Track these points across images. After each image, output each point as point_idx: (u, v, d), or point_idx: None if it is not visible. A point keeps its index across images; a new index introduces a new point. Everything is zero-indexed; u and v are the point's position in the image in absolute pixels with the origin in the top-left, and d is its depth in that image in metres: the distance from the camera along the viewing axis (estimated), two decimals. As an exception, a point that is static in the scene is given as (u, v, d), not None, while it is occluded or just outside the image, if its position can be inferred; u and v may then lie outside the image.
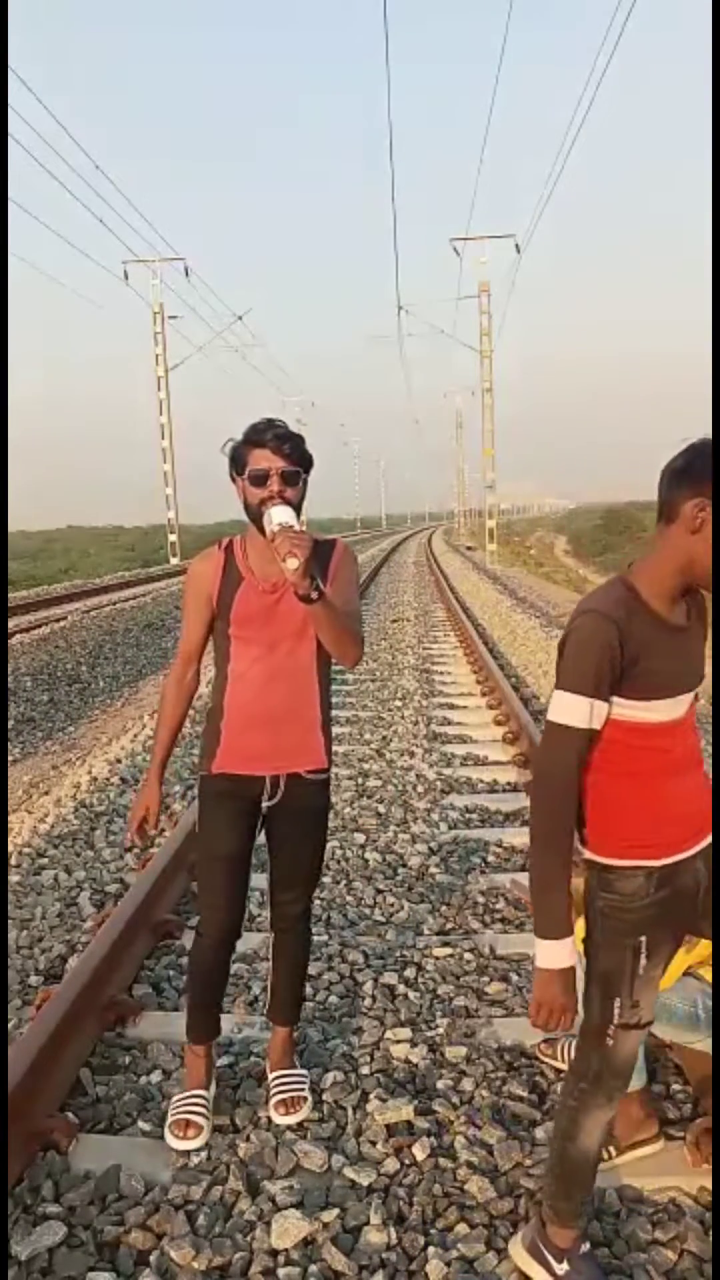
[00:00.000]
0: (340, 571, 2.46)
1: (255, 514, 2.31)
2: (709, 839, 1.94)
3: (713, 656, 1.89)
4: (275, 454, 2.29)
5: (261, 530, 2.28)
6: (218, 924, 2.52)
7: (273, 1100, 2.65)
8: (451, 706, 7.89)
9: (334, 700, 8.21)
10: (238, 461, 2.35)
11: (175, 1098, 2.59)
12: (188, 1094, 2.60)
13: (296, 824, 2.54)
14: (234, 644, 2.44)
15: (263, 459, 2.29)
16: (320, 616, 2.29)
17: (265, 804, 2.50)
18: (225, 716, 2.47)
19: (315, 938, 3.66)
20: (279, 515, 2.21)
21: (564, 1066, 2.79)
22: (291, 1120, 2.60)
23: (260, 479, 2.29)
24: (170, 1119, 2.53)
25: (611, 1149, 2.40)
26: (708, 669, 1.94)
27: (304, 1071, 2.76)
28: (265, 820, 2.55)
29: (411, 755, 6.31)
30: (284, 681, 2.44)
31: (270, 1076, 2.72)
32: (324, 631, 2.35)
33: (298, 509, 2.30)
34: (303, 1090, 2.68)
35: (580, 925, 2.49)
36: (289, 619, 2.39)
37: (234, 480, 2.38)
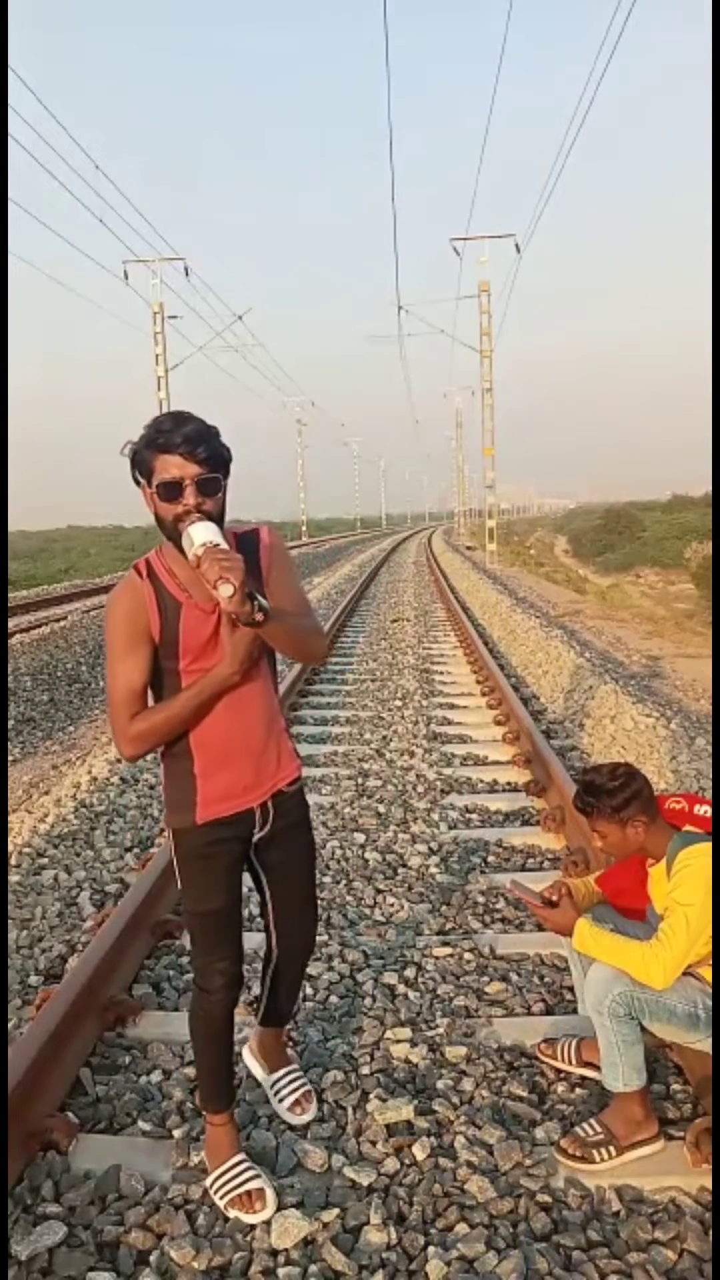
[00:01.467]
0: (275, 566, 2.17)
1: (170, 530, 1.99)
2: None
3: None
4: (188, 460, 1.94)
5: (179, 548, 1.99)
6: (225, 978, 2.28)
7: (285, 1102, 2.60)
8: (451, 706, 7.89)
9: (333, 700, 8.22)
10: (142, 467, 1.99)
11: (216, 1172, 2.32)
12: (230, 1163, 2.32)
13: (287, 841, 2.35)
14: (187, 678, 2.11)
15: (172, 466, 1.94)
16: (274, 633, 2.04)
17: (257, 834, 2.28)
18: (196, 760, 2.18)
19: (316, 938, 3.65)
20: (200, 534, 1.90)
21: (564, 1066, 2.79)
22: (307, 1118, 2.57)
23: (173, 492, 1.95)
24: (228, 1196, 2.27)
25: (611, 1149, 2.40)
26: None
27: (298, 1066, 2.73)
28: (253, 850, 2.33)
29: (411, 755, 6.31)
30: (250, 704, 2.18)
31: (271, 1078, 2.67)
32: (280, 643, 2.12)
33: (220, 517, 2.01)
34: (307, 1084, 2.66)
35: (581, 926, 2.50)
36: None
37: (139, 485, 2.03)
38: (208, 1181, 2.34)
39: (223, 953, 2.28)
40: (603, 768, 2.57)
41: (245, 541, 2.16)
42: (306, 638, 2.15)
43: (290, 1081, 2.64)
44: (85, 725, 9.17)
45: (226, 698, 2.14)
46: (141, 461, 2.00)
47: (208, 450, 1.96)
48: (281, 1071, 2.67)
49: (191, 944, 2.33)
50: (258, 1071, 2.67)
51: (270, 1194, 2.28)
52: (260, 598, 1.93)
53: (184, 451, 1.94)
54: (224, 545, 1.91)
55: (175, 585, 2.09)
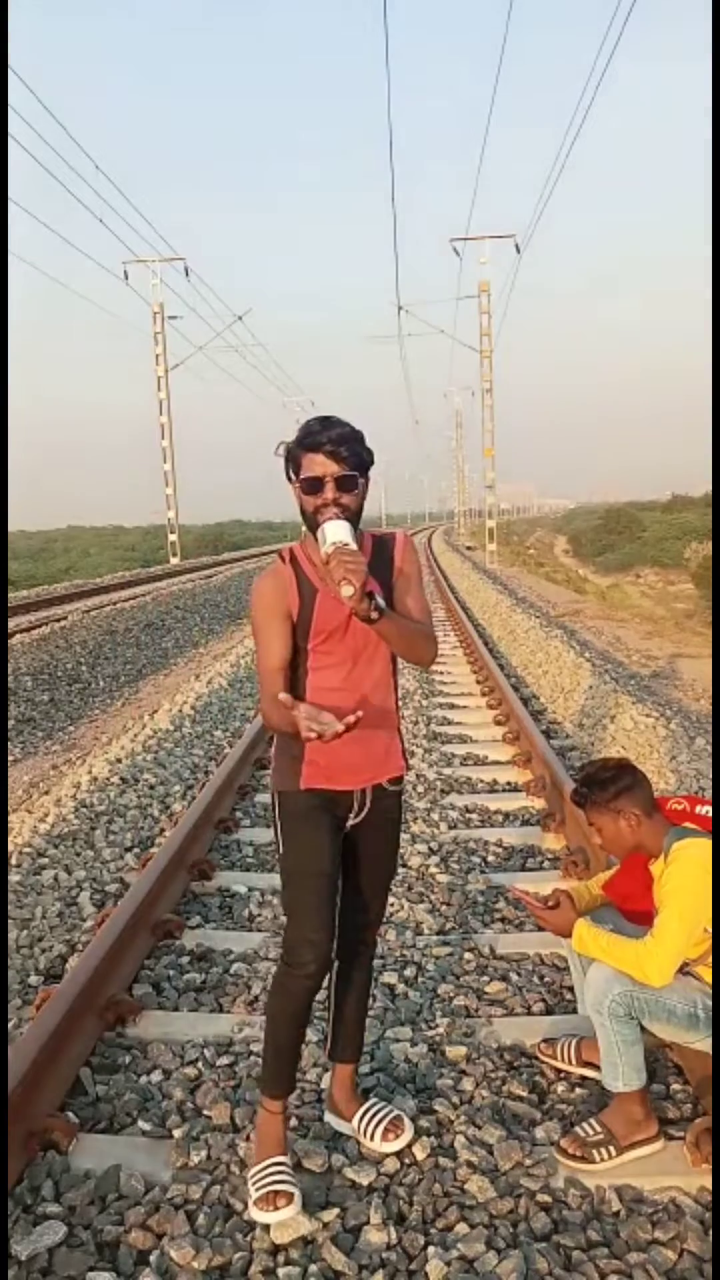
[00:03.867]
0: (405, 568, 2.34)
1: (312, 522, 2.18)
2: None
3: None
4: (330, 459, 2.14)
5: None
6: (315, 950, 2.24)
7: (376, 1138, 2.45)
8: (451, 706, 7.89)
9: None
10: (292, 464, 2.20)
11: (255, 1169, 2.31)
12: (269, 1162, 2.30)
13: (377, 838, 2.41)
14: (314, 657, 2.29)
15: (316, 465, 2.14)
16: (388, 632, 2.19)
17: (351, 820, 2.35)
18: None
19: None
20: (333, 534, 2.07)
21: (564, 1066, 2.79)
22: (401, 1143, 2.44)
23: (314, 487, 2.15)
24: (256, 1193, 2.25)
25: (611, 1149, 2.40)
26: None
27: (376, 1099, 2.58)
28: (344, 838, 2.37)
29: (411, 755, 6.31)
30: (369, 691, 2.31)
31: (355, 1121, 2.50)
32: (394, 643, 2.26)
33: (358, 513, 2.19)
34: (394, 1111, 2.51)
35: (579, 927, 2.50)
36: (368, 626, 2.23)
37: (289, 482, 2.24)
38: (250, 1173, 2.32)
39: (316, 922, 2.24)
40: (598, 760, 2.59)
41: (382, 545, 2.33)
42: (417, 641, 2.27)
43: (375, 1114, 2.49)
44: (85, 725, 9.17)
45: (350, 685, 2.29)
46: (292, 459, 2.20)
47: (349, 452, 2.15)
48: (360, 1110, 2.51)
49: (286, 914, 2.31)
50: (343, 1127, 2.54)
51: (297, 1196, 2.22)
52: (378, 598, 2.11)
53: (328, 451, 2.13)
54: (353, 545, 2.07)
55: (314, 572, 2.27)
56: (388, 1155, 2.45)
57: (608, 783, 2.48)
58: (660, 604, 24.58)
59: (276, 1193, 2.22)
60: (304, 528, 2.26)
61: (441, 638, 11.96)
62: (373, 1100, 2.55)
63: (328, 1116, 2.58)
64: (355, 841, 2.40)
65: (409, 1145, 2.47)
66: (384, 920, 3.80)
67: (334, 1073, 2.58)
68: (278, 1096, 2.36)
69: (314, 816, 2.31)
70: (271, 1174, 2.27)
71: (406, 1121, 2.49)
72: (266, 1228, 2.22)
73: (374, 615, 2.09)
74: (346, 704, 2.25)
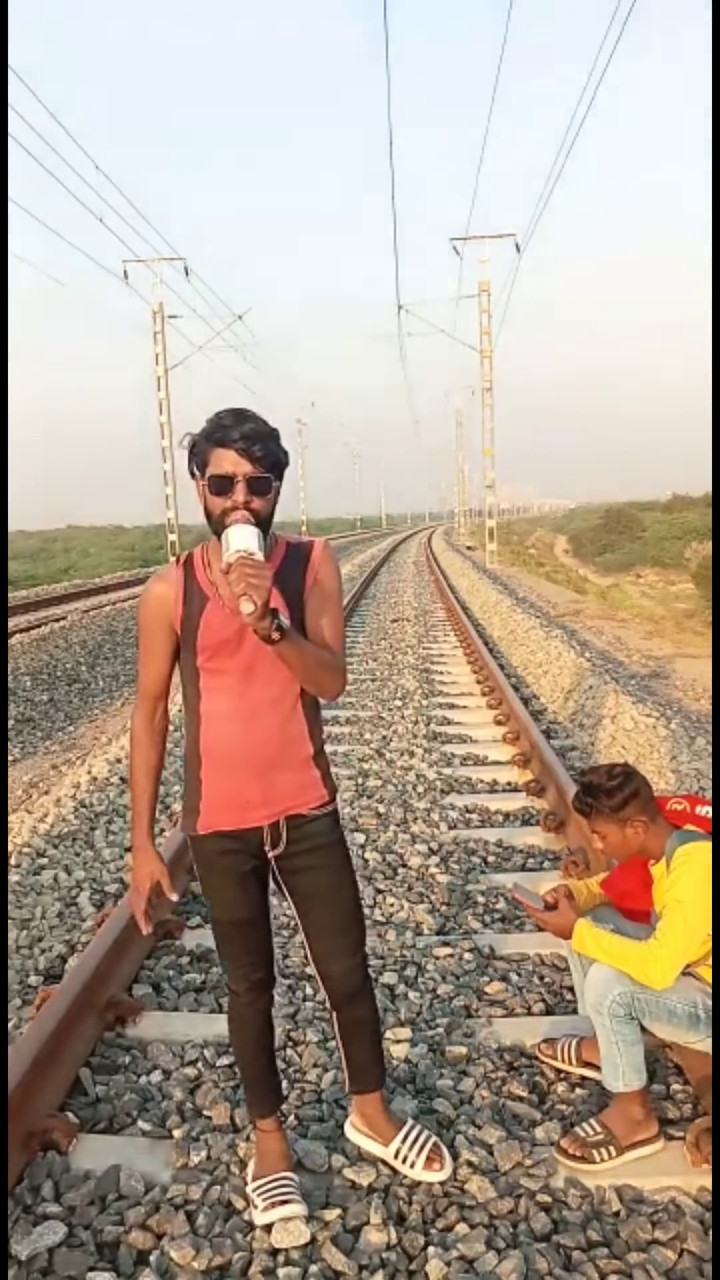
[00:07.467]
0: (318, 585, 2.10)
1: (217, 525, 1.97)
2: None
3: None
4: (243, 457, 1.93)
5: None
6: (249, 983, 2.26)
7: (417, 1166, 2.34)
8: (451, 706, 7.89)
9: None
10: (198, 460, 1.99)
11: (257, 1182, 2.28)
12: (274, 1176, 2.26)
13: (317, 870, 2.18)
14: (204, 676, 2.08)
15: (226, 462, 1.93)
16: (287, 655, 1.96)
17: (271, 854, 2.17)
18: (203, 765, 2.13)
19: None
20: (237, 540, 1.85)
21: (564, 1066, 2.79)
22: (445, 1173, 2.33)
23: (224, 486, 1.94)
24: (261, 1204, 2.24)
25: (611, 1149, 2.40)
26: None
27: (413, 1122, 2.46)
28: (279, 873, 2.20)
29: (411, 755, 6.31)
30: (267, 715, 2.09)
31: (391, 1147, 2.38)
32: (294, 669, 2.02)
33: (268, 519, 1.99)
34: (432, 1137, 2.40)
35: (580, 927, 2.50)
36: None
37: (194, 478, 2.02)
38: (249, 1188, 2.31)
39: (244, 960, 2.25)
40: (600, 768, 2.57)
41: (295, 553, 2.12)
42: (321, 671, 2.05)
43: (414, 1141, 2.37)
44: (85, 725, 9.17)
45: (246, 709, 2.09)
46: (198, 454, 1.99)
47: (263, 450, 1.94)
48: (399, 1135, 2.38)
49: (218, 951, 2.29)
50: (374, 1148, 2.40)
51: (302, 1208, 2.22)
52: (281, 617, 1.89)
53: (240, 448, 1.93)
54: (259, 555, 1.85)
55: (207, 579, 2.08)
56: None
57: (613, 792, 2.47)
58: (660, 604, 24.58)
59: (285, 1203, 2.22)
60: (211, 532, 2.05)
61: (441, 637, 11.96)
62: (411, 1124, 2.41)
63: (354, 1135, 2.43)
64: (293, 876, 2.20)
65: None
66: (387, 921, 3.82)
67: (359, 1099, 2.41)
68: (267, 1116, 2.35)
69: (221, 864, 2.15)
70: (275, 1187, 2.26)
71: (445, 1150, 2.39)
72: (268, 1228, 2.22)
73: (275, 635, 1.87)
74: (246, 729, 2.08)
